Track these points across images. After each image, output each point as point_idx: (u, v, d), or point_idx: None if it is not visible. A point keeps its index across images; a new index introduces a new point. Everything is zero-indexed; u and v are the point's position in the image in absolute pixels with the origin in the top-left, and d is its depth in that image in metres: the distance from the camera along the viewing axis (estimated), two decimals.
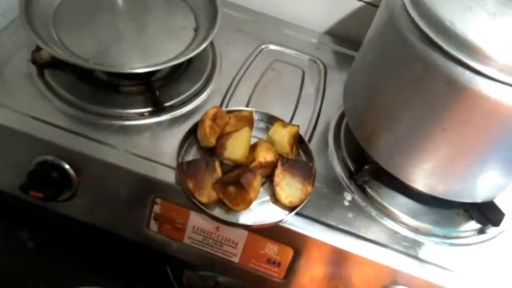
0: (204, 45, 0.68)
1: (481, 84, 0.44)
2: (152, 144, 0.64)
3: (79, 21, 0.73)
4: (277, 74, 0.78)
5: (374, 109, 0.58)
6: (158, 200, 0.61)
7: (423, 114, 0.51)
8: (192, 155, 0.63)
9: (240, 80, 0.76)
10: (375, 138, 0.59)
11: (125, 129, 0.65)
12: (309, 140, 0.69)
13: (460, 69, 0.44)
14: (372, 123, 0.59)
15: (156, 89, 0.68)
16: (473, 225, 0.63)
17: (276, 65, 0.80)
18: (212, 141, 0.62)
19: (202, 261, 0.65)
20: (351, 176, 0.65)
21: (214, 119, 0.62)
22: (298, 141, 0.65)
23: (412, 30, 0.47)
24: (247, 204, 0.56)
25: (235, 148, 0.60)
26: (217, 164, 0.59)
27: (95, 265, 0.78)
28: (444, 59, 0.45)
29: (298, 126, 0.64)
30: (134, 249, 0.68)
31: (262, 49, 0.82)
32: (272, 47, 0.82)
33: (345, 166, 0.66)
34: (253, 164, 0.60)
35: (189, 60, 0.75)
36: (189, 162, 0.58)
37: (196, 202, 0.56)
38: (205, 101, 0.72)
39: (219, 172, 0.59)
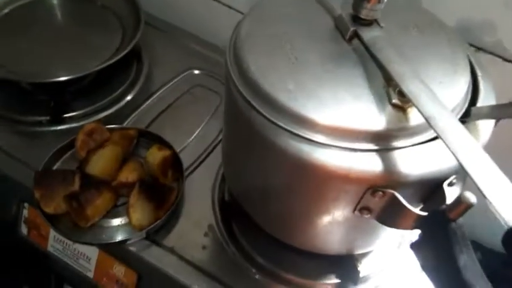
0: (111, 61, 0.70)
1: (294, 144, 0.39)
2: (37, 151, 0.66)
3: (11, 34, 0.78)
4: (193, 98, 0.78)
5: (229, 155, 0.56)
6: (26, 205, 0.63)
7: (264, 175, 0.47)
8: (68, 165, 0.65)
9: (154, 100, 0.77)
10: (234, 183, 0.57)
11: (21, 134, 0.69)
12: (196, 168, 0.68)
13: (261, 120, 0.40)
14: (231, 165, 0.56)
15: (56, 100, 0.71)
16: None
17: (196, 89, 0.80)
18: (82, 154, 0.63)
19: (66, 273, 0.65)
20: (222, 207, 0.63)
21: (90, 134, 0.64)
22: (175, 167, 0.65)
23: (232, 81, 0.43)
24: (86, 220, 0.57)
25: (97, 164, 0.61)
26: (76, 177, 0.60)
27: None
28: (249, 108, 0.40)
29: (172, 151, 0.64)
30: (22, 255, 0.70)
31: (189, 73, 0.82)
32: (198, 71, 0.83)
33: (222, 197, 0.65)
34: (114, 183, 0.60)
35: (110, 77, 0.78)
36: (43, 172, 0.60)
37: (40, 212, 0.57)
38: (109, 116, 0.73)
39: (76, 185, 0.60)
